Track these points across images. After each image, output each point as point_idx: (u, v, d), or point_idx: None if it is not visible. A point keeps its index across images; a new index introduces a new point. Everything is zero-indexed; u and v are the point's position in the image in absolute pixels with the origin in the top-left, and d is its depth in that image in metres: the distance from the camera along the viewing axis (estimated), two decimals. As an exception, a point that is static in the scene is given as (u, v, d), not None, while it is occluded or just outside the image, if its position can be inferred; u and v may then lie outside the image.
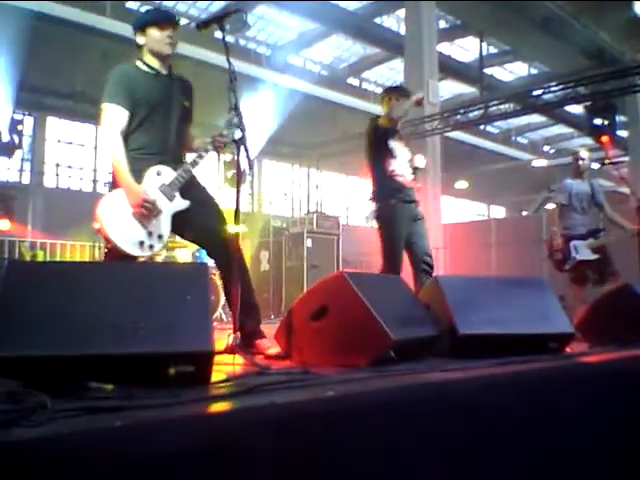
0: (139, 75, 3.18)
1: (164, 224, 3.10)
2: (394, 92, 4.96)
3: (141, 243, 3.00)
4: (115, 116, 3.06)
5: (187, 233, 3.30)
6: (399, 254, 4.56)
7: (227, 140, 3.14)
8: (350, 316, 2.45)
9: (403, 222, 4.65)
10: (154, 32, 3.18)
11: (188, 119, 3.35)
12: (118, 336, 1.72)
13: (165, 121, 3.19)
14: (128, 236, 2.98)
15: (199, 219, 3.17)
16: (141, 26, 3.21)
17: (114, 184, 3.07)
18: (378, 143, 4.78)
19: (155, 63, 3.23)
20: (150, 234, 3.04)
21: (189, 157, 3.29)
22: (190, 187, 3.18)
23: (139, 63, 3.23)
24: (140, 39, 3.21)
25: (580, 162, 5.91)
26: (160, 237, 3.08)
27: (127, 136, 3.10)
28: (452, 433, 1.91)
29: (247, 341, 2.95)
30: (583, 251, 5.63)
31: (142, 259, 3.02)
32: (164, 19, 3.23)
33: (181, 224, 3.17)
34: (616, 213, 5.87)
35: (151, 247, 3.05)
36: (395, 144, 4.81)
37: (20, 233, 10.80)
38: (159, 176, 3.11)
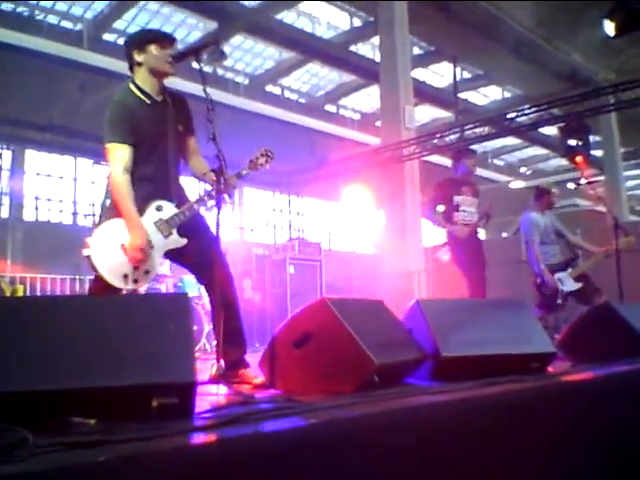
0: (138, 106, 3.08)
1: (154, 260, 3.04)
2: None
3: (125, 276, 2.95)
4: (121, 155, 2.99)
5: (179, 260, 3.23)
6: None
7: (232, 188, 3.12)
8: (333, 342, 2.45)
9: None
10: (155, 50, 3.08)
11: (185, 141, 3.27)
12: (100, 369, 1.71)
13: (164, 152, 3.13)
14: (113, 267, 2.94)
15: (192, 247, 3.11)
16: (140, 43, 3.11)
17: (107, 212, 3.04)
18: None
19: (149, 86, 3.12)
20: (136, 269, 2.98)
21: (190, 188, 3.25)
22: (186, 225, 3.12)
23: (133, 87, 3.12)
24: (138, 57, 3.09)
25: (551, 196, 6.07)
26: (147, 272, 3.02)
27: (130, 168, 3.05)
28: (437, 455, 1.91)
29: (231, 371, 2.93)
30: (568, 282, 5.73)
31: (124, 292, 2.99)
32: (165, 37, 3.16)
33: (175, 252, 3.13)
34: (577, 236, 6.18)
35: (135, 281, 2.99)
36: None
37: (-1, 268, 10.68)
38: (159, 211, 3.07)
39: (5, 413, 1.50)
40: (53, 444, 1.37)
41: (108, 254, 2.95)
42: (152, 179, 3.10)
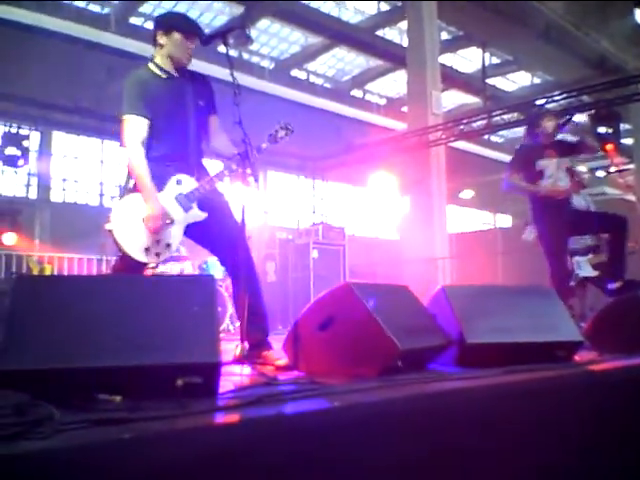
0: (154, 81, 3.12)
1: (175, 233, 3.08)
2: None
3: (147, 249, 3.01)
4: (137, 127, 3.03)
5: (202, 240, 3.26)
6: None
7: (254, 163, 3.10)
8: (356, 326, 2.45)
9: None
10: (179, 38, 3.12)
11: (207, 118, 3.28)
12: (126, 348, 1.72)
13: (183, 127, 3.15)
14: (135, 241, 2.99)
15: (215, 228, 3.14)
16: (167, 27, 3.14)
17: (128, 189, 3.09)
18: None
19: (168, 66, 3.17)
20: (158, 242, 3.03)
21: (213, 168, 3.26)
22: (209, 195, 3.15)
23: (152, 66, 3.17)
24: (161, 39, 3.14)
25: (581, 177, 5.88)
26: (168, 245, 3.07)
27: (148, 144, 3.08)
28: (459, 441, 1.90)
29: (254, 352, 2.95)
30: (585, 268, 5.63)
31: (150, 267, 3.02)
32: (193, 29, 3.19)
33: (197, 232, 3.16)
34: None
35: (157, 255, 3.04)
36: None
37: (27, 247, 10.83)
38: (179, 185, 3.10)
39: (32, 389, 1.52)
40: (78, 421, 1.38)
41: (129, 228, 2.99)
42: (171, 154, 3.12)
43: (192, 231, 3.16)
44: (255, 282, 3.09)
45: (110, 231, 2.99)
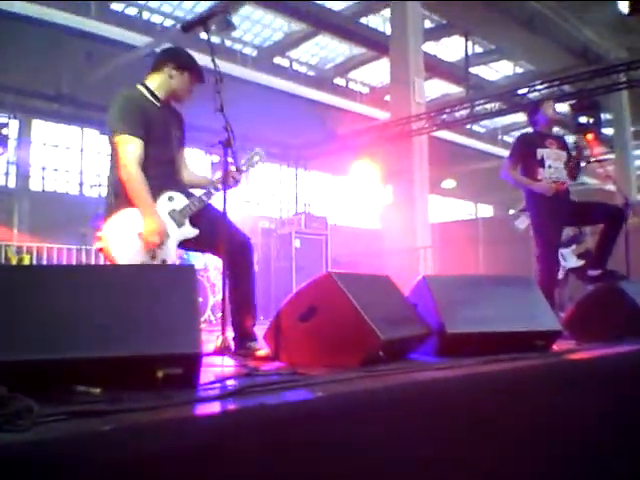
0: (146, 104, 3.11)
1: (170, 250, 3.05)
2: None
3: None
4: (134, 148, 2.98)
5: (197, 247, 3.33)
6: None
7: (241, 177, 3.26)
8: (338, 316, 2.45)
9: None
10: (189, 78, 3.19)
11: (182, 150, 3.36)
12: (105, 339, 1.71)
13: (168, 151, 3.18)
14: (131, 258, 2.93)
15: (206, 233, 3.13)
16: (184, 65, 3.19)
17: (117, 206, 3.01)
18: None
19: (162, 95, 3.18)
20: (153, 258, 2.99)
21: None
22: (199, 212, 3.17)
23: (144, 90, 3.15)
24: (172, 72, 3.16)
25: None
26: (164, 262, 3.02)
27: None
28: (440, 430, 1.92)
29: (240, 342, 2.96)
30: (570, 259, 5.68)
31: None
32: (201, 75, 3.25)
33: (192, 244, 3.18)
34: None
35: None
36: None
37: (6, 237, 10.71)
38: (170, 201, 3.10)
39: (9, 382, 1.50)
40: (57, 413, 1.37)
41: (125, 244, 2.94)
42: (161, 175, 3.10)
43: (187, 245, 3.18)
44: (251, 275, 3.15)
45: (101, 249, 2.96)
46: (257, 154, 3.49)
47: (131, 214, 2.97)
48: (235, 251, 2.98)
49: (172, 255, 3.07)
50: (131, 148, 2.97)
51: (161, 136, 3.12)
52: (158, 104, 3.16)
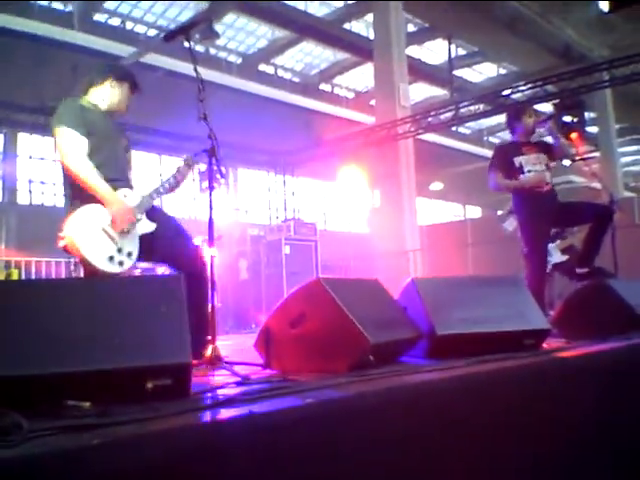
0: (89, 110, 3.19)
1: (133, 242, 3.07)
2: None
3: (111, 258, 2.96)
4: (76, 140, 3.02)
5: (154, 255, 3.27)
6: None
7: (184, 177, 3.32)
8: (328, 321, 2.45)
9: None
10: (127, 90, 3.32)
11: (129, 156, 3.43)
12: (93, 352, 1.70)
13: (115, 150, 3.23)
14: (98, 251, 2.93)
15: (164, 240, 3.17)
16: (122, 77, 3.32)
17: (78, 201, 3.01)
18: None
19: (103, 106, 3.28)
20: (120, 250, 3.00)
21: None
22: (151, 212, 3.21)
23: (83, 101, 3.25)
24: (112, 83, 3.28)
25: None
26: (129, 254, 3.04)
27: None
28: (432, 433, 1.92)
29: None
30: (555, 254, 5.72)
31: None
32: (137, 85, 3.39)
33: (147, 248, 3.14)
34: None
35: (121, 263, 3.00)
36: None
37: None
38: (125, 198, 3.10)
39: (-1, 397, 1.50)
40: (47, 428, 1.37)
41: (91, 239, 2.94)
42: (112, 173, 3.11)
43: (144, 251, 3.14)
44: (205, 289, 3.09)
45: (65, 247, 2.95)
46: (187, 161, 3.42)
47: (92, 209, 2.98)
48: (185, 263, 3.03)
49: (136, 248, 3.07)
50: (70, 139, 3.02)
51: (106, 137, 3.17)
52: (101, 113, 3.25)
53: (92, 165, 3.00)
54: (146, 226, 3.14)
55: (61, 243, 2.95)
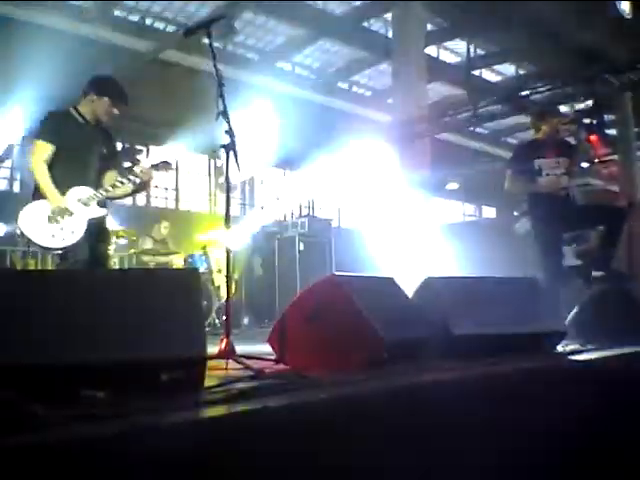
0: (69, 122, 3.83)
1: (78, 223, 3.71)
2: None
3: (52, 235, 3.65)
4: (42, 150, 3.73)
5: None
6: None
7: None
8: (342, 318, 2.45)
9: None
10: (108, 103, 3.85)
11: (108, 163, 4.01)
12: (109, 343, 1.71)
13: (85, 158, 3.86)
14: (41, 232, 3.66)
15: (94, 243, 3.83)
16: (100, 91, 3.83)
17: (34, 197, 3.73)
18: None
19: (89, 117, 3.88)
20: (62, 229, 3.67)
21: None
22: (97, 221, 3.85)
23: (73, 111, 3.88)
24: (92, 97, 3.84)
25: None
26: (73, 232, 3.68)
27: (53, 168, 3.74)
28: (444, 432, 1.91)
29: None
30: (569, 257, 5.67)
31: (58, 251, 3.71)
32: (122, 98, 3.91)
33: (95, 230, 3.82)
34: None
35: (63, 239, 3.67)
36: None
37: (11, 242, 10.69)
38: (77, 193, 3.77)
39: (15, 385, 1.51)
40: (62, 417, 1.37)
41: (36, 223, 3.67)
42: (71, 174, 3.78)
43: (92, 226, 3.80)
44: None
45: (19, 228, 3.70)
46: (164, 162, 4.00)
47: (41, 204, 3.71)
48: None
49: (80, 228, 3.71)
50: (39, 151, 3.74)
51: (79, 147, 3.82)
52: (83, 122, 3.87)
53: (46, 173, 3.70)
54: (95, 210, 3.81)
55: (17, 230, 3.87)
